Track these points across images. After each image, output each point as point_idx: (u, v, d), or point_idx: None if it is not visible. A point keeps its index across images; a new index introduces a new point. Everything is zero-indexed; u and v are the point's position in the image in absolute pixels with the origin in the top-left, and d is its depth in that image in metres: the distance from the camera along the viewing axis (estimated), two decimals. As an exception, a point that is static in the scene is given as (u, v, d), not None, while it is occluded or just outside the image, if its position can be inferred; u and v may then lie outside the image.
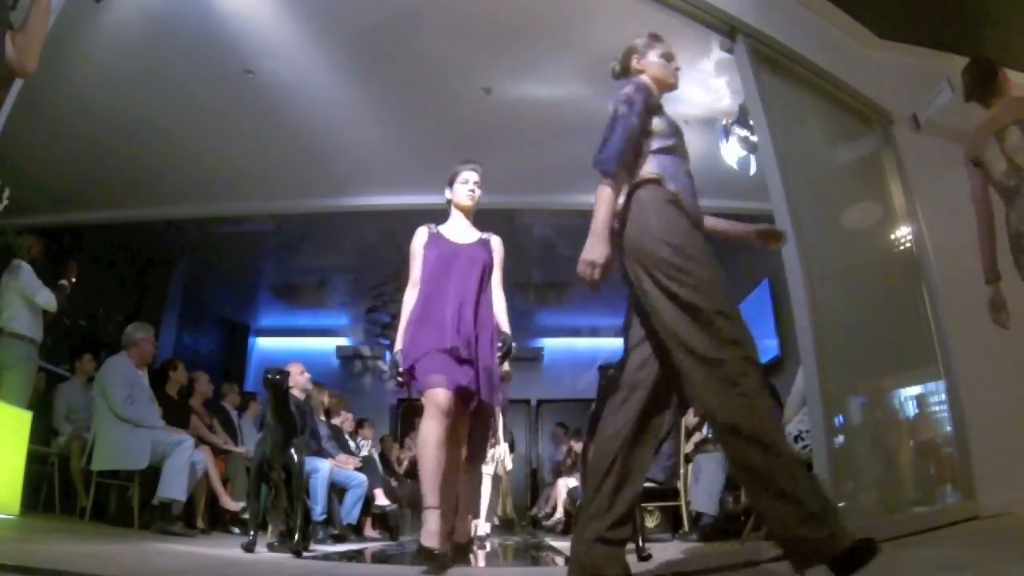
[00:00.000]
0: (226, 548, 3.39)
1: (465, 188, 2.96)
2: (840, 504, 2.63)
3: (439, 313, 2.67)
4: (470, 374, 2.64)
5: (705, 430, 5.39)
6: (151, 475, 4.00)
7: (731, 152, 4.60)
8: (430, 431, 2.49)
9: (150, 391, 4.39)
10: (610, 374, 3.18)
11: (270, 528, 3.70)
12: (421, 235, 2.89)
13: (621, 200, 1.95)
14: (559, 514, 6.98)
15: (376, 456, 6.23)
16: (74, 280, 4.58)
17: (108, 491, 4.22)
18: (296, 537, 3.22)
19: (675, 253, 1.75)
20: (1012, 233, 2.56)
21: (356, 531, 5.08)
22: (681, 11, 3.42)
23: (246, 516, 3.84)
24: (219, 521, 4.69)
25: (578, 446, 6.12)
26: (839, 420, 2.84)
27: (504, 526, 7.20)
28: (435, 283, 2.75)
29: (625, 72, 2.18)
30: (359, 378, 9.99)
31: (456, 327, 2.64)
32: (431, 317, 2.68)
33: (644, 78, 2.06)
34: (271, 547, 3.43)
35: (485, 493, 4.86)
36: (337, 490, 4.90)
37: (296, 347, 9.55)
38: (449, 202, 3.02)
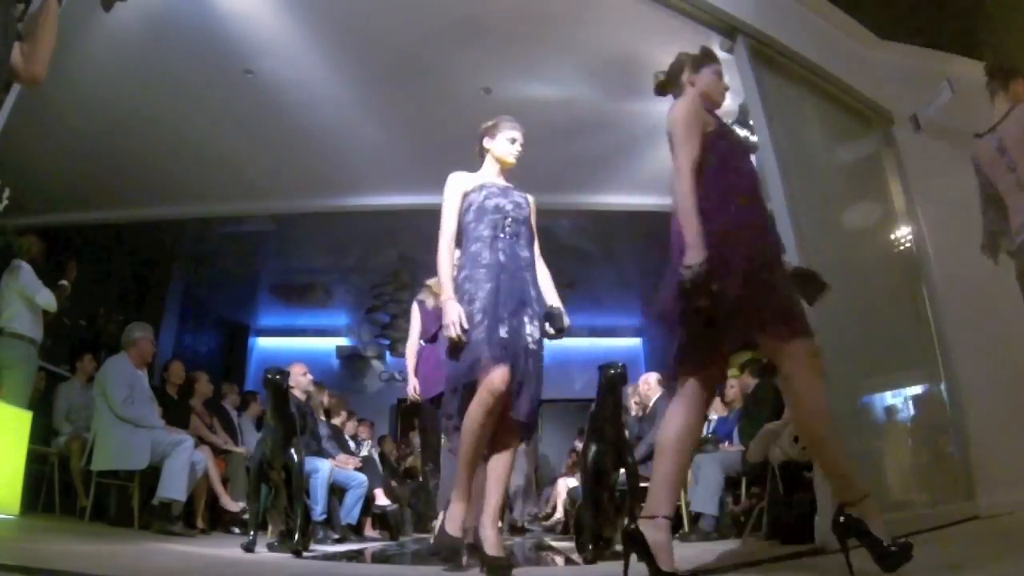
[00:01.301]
0: (226, 548, 3.39)
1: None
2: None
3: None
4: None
5: (705, 429, 5.39)
6: (151, 475, 4.00)
7: (731, 152, 4.59)
8: None
9: (150, 391, 4.39)
10: (611, 374, 3.19)
11: (270, 528, 3.70)
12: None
13: None
14: (559, 514, 6.98)
15: (376, 456, 6.23)
16: (74, 280, 4.59)
17: (108, 491, 4.22)
18: (296, 537, 3.22)
19: None
20: None
21: (356, 531, 5.08)
22: (681, 11, 3.42)
23: (246, 516, 3.84)
24: (219, 521, 4.69)
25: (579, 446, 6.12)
26: (839, 420, 2.84)
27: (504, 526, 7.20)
28: None
29: None
30: (359, 378, 9.99)
31: None
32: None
33: None
34: (271, 547, 3.43)
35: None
36: (337, 490, 4.90)
37: (296, 347, 9.55)
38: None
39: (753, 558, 2.69)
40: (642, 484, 3.65)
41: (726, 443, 4.81)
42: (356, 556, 3.65)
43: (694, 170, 1.90)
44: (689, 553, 3.36)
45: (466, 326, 2.33)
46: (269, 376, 3.35)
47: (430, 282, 3.21)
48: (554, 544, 4.87)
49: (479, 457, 2.34)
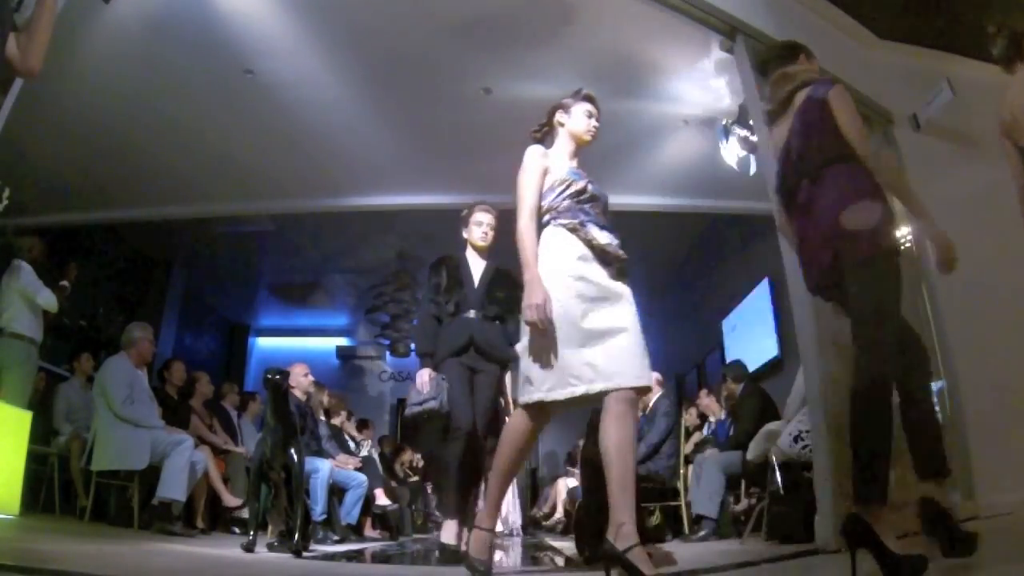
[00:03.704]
0: (226, 548, 3.39)
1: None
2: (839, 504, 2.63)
3: None
4: None
5: (705, 430, 5.40)
6: (151, 475, 4.00)
7: (731, 152, 4.59)
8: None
9: (150, 391, 4.39)
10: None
11: (270, 528, 3.70)
12: None
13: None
14: (559, 514, 6.98)
15: (376, 456, 6.23)
16: (74, 280, 4.59)
17: (108, 491, 4.22)
18: (296, 537, 3.22)
19: None
20: None
21: (356, 531, 5.08)
22: (681, 11, 3.42)
23: (246, 516, 3.84)
24: (219, 521, 4.69)
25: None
26: (840, 419, 2.84)
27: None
28: None
29: None
30: (359, 378, 10.00)
31: None
32: None
33: None
34: (271, 547, 3.43)
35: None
36: (337, 490, 4.90)
37: (296, 347, 9.57)
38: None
39: (753, 558, 2.69)
40: (641, 484, 3.66)
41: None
42: (356, 556, 3.65)
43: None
44: (689, 553, 3.36)
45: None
46: (269, 376, 3.35)
47: None
48: (554, 544, 4.87)
49: None
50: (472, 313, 3.16)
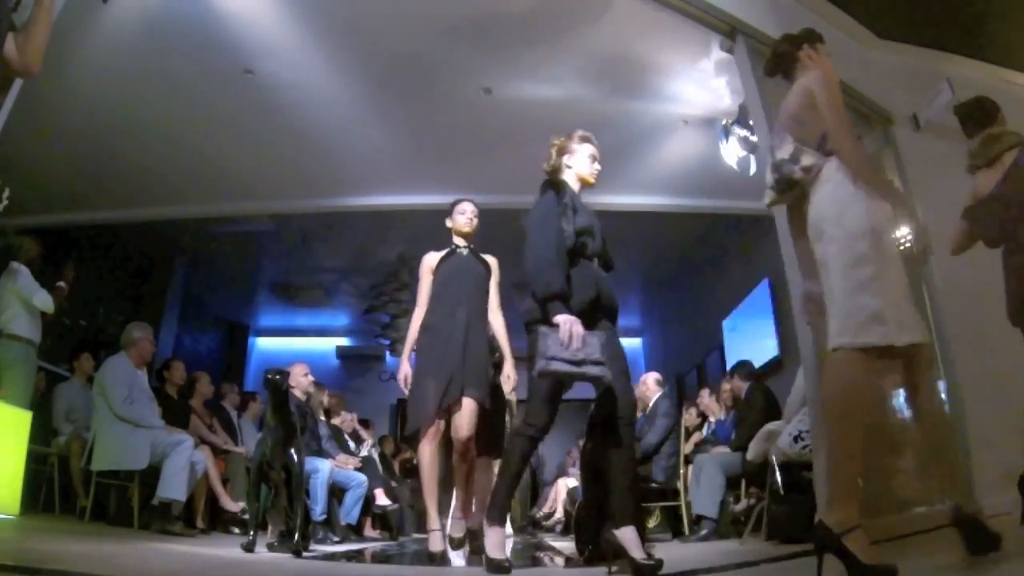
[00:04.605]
0: (226, 548, 3.39)
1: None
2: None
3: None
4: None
5: (705, 430, 5.40)
6: (151, 475, 4.00)
7: (731, 152, 4.60)
8: None
9: (150, 391, 4.40)
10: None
11: (270, 528, 3.70)
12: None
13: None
14: (559, 514, 6.98)
15: (376, 456, 6.23)
16: (72, 281, 4.59)
17: (108, 491, 4.23)
18: (296, 537, 3.22)
19: None
20: None
21: (356, 531, 5.08)
22: (681, 11, 3.42)
23: (246, 516, 3.84)
24: (219, 521, 4.69)
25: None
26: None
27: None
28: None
29: None
30: (359, 378, 9.99)
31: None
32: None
33: None
34: (271, 547, 3.43)
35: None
36: (337, 490, 4.90)
37: (296, 347, 9.56)
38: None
39: (753, 558, 2.69)
40: (641, 484, 3.66)
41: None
42: (356, 556, 3.65)
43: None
44: (689, 553, 3.36)
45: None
46: (269, 376, 3.35)
47: None
48: (554, 544, 4.87)
49: None
50: (597, 262, 2.48)
